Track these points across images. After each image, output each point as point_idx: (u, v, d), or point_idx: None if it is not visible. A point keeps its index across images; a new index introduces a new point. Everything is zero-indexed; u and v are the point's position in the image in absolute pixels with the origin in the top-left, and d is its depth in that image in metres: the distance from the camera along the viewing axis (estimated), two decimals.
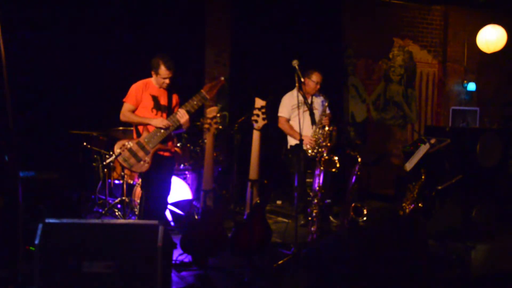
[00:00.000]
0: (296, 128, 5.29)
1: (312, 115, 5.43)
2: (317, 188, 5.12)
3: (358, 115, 8.91)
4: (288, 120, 5.90)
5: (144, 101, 4.64)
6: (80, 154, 6.29)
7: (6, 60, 3.24)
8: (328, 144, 5.38)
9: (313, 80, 5.74)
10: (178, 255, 4.57)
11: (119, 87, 4.93)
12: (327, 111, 5.60)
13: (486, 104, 9.69)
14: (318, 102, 5.87)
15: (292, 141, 5.89)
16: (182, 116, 4.52)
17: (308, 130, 5.61)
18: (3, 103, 3.28)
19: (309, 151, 5.49)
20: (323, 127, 5.44)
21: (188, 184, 6.07)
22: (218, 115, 4.46)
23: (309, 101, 5.64)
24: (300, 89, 5.23)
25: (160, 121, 4.54)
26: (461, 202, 5.52)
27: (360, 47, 8.82)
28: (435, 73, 9.47)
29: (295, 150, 5.69)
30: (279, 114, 5.93)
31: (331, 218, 6.05)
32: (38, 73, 6.38)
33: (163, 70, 4.56)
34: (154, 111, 4.64)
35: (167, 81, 4.62)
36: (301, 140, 4.86)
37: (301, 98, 5.38)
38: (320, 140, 5.41)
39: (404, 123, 9.29)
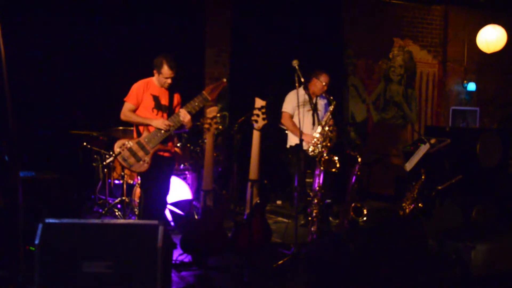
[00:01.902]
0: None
1: (315, 115, 5.43)
2: (317, 188, 5.13)
3: (358, 115, 8.91)
4: (291, 117, 5.89)
5: (145, 100, 4.64)
6: (80, 154, 6.29)
7: (6, 60, 3.24)
8: (328, 144, 5.38)
9: (321, 81, 5.72)
10: (178, 255, 4.57)
11: (119, 87, 4.93)
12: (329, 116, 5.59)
13: (486, 104, 9.69)
14: (321, 104, 5.86)
15: (292, 141, 5.88)
16: (183, 117, 4.52)
17: (308, 130, 5.61)
18: (3, 103, 3.28)
19: (310, 150, 5.49)
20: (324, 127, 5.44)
21: (188, 184, 6.07)
22: (218, 115, 4.46)
23: (314, 101, 5.63)
24: (305, 88, 5.19)
25: (161, 122, 4.53)
26: (461, 202, 5.53)
27: (360, 47, 8.82)
28: (435, 73, 9.46)
29: (295, 150, 5.68)
30: (283, 109, 5.90)
31: (331, 218, 6.05)
32: (38, 73, 6.38)
33: (166, 69, 4.56)
34: (155, 111, 4.63)
35: (169, 81, 4.62)
36: (301, 140, 4.86)
37: (306, 97, 5.37)
38: (321, 140, 5.41)
39: (404, 123, 9.29)
